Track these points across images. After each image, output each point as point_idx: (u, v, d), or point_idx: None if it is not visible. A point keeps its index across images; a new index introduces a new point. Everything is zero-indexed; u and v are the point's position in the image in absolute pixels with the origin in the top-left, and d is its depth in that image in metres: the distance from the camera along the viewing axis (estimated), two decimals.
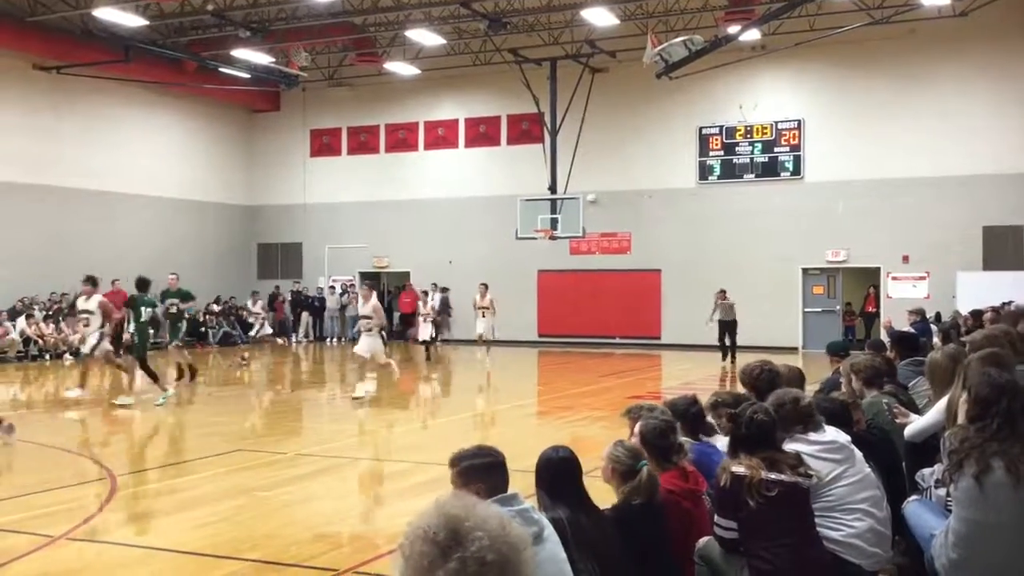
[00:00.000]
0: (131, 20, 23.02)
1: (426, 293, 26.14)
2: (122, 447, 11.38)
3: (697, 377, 19.14)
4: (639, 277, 27.63)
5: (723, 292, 22.68)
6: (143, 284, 16.06)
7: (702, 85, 25.22)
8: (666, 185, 27.40)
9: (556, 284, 28.57)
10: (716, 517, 4.60)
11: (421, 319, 24.93)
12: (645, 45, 22.24)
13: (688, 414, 5.63)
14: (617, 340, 27.45)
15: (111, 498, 8.42)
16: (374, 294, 16.47)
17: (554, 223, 25.42)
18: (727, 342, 22.28)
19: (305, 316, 31.22)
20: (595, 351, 26.41)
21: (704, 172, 27.18)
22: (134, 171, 28.16)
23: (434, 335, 24.91)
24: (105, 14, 22.65)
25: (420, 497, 8.76)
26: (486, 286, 23.48)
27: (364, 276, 30.77)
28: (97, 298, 15.45)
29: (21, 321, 23.80)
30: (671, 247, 27.18)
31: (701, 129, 27.07)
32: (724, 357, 22.09)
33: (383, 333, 16.00)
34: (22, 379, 20.52)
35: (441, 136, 30.44)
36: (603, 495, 4.60)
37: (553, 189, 26.18)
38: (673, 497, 4.72)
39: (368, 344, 15.63)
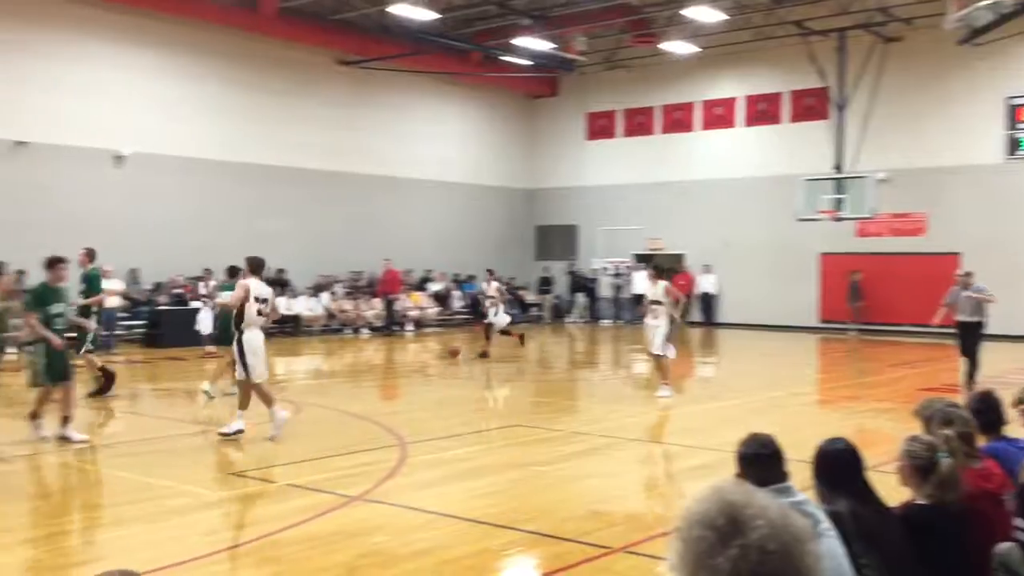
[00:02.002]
0: (422, 14, 24.32)
1: (491, 272, 21.16)
2: (410, 417, 12.11)
3: (1001, 370, 17.55)
4: (935, 261, 25.66)
5: (967, 276, 15.96)
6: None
7: (1011, 51, 22.98)
8: (967, 161, 25.25)
9: (840, 268, 27.17)
10: (1017, 519, 4.21)
11: (489, 304, 20.18)
12: (945, 10, 20.55)
13: (985, 409, 5.18)
14: (909, 328, 25.71)
15: (401, 464, 9.00)
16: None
17: (839, 203, 24.18)
18: (967, 351, 15.34)
19: (580, 297, 31.77)
20: (883, 339, 24.90)
21: (1013, 146, 24.75)
22: (423, 158, 29.82)
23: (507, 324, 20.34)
24: (399, 10, 24.07)
25: (694, 481, 8.67)
26: (491, 272, 20.99)
27: (639, 258, 30.87)
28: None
29: (325, 297, 25.98)
30: (972, 228, 25.03)
31: (1009, 99, 24.66)
32: (967, 362, 15.27)
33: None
34: (325, 351, 22.37)
35: (719, 115, 29.80)
36: (891, 493, 4.33)
37: (839, 167, 24.89)
38: (970, 498, 4.36)
39: None
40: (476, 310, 29.79)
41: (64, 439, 9.93)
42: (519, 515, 7.20)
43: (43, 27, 21.50)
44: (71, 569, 6.18)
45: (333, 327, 25.89)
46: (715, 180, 29.39)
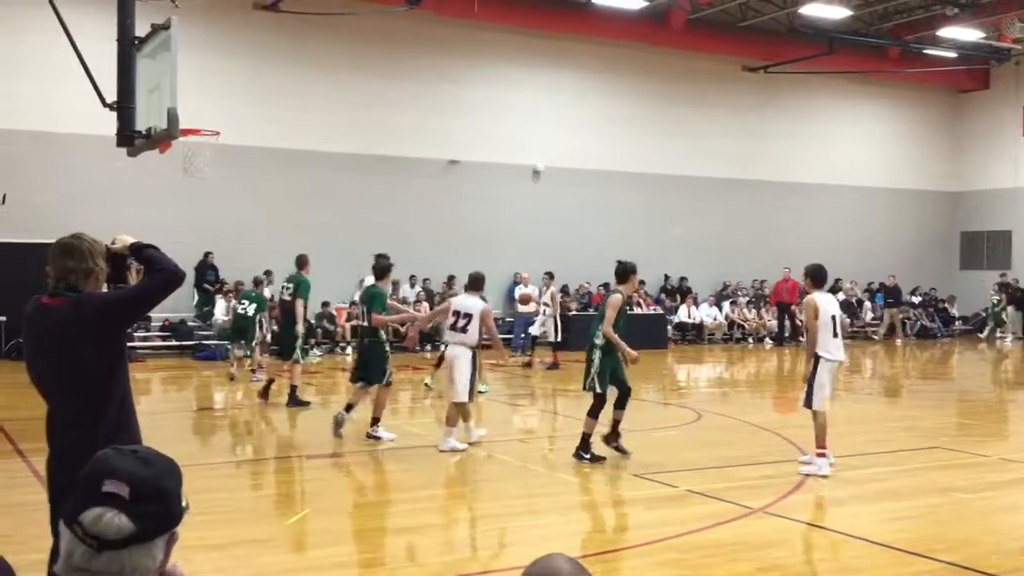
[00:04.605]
0: (836, 12, 23.38)
1: (551, 275, 19.58)
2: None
3: None
4: None
5: None
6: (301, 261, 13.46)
7: None
8: None
9: None
10: None
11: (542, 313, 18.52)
12: None
13: None
14: None
15: (805, 479, 8.69)
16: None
17: None
18: None
19: (1011, 311, 28.59)
20: None
21: None
22: (832, 161, 28.62)
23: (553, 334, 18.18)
24: (811, 10, 23.36)
25: None
26: (550, 276, 19.43)
27: None
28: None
29: (726, 305, 25.83)
30: None
31: None
32: None
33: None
34: (726, 359, 22.26)
35: None
36: None
37: None
38: None
39: None
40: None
41: (373, 437, 10.35)
42: (937, 543, 6.65)
43: (468, 57, 23.70)
44: (497, 549, 6.73)
45: (736, 336, 25.67)
46: None
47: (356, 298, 16.72)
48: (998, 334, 27.48)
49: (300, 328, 13.09)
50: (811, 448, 9.02)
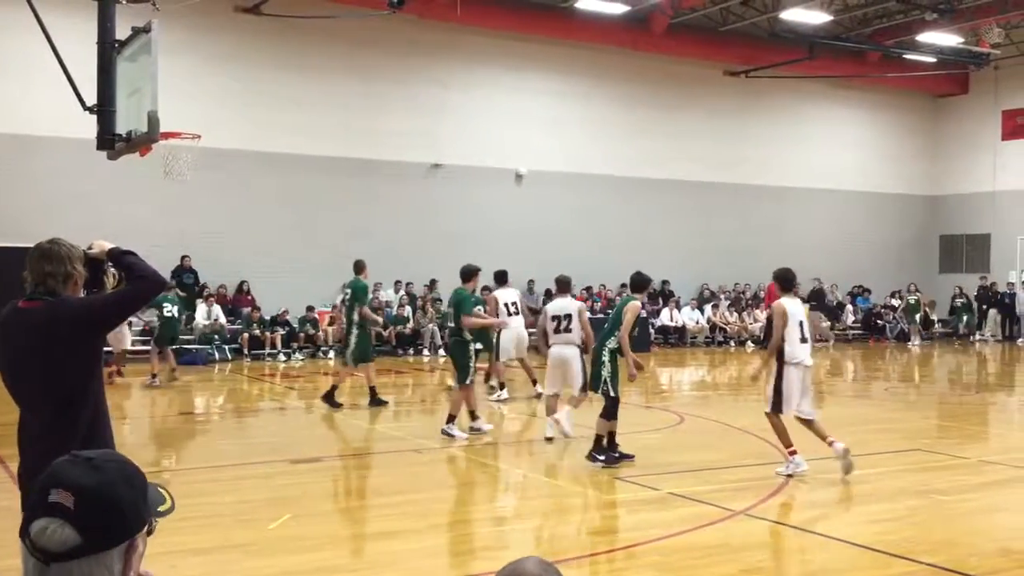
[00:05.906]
0: (816, 17, 23.53)
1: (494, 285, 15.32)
2: (800, 434, 11.70)
3: None
4: None
5: None
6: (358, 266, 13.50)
7: None
8: None
9: None
10: None
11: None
12: None
13: None
14: None
15: (787, 482, 8.73)
16: None
17: None
18: None
19: (992, 313, 28.85)
20: None
21: None
22: (813, 165, 28.79)
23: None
24: (792, 15, 23.49)
25: None
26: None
27: None
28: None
29: (708, 308, 25.91)
30: None
31: None
32: None
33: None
34: (708, 363, 22.33)
35: None
36: None
37: None
38: None
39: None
40: (869, 325, 28.18)
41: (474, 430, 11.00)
42: (917, 545, 6.70)
43: (451, 60, 23.70)
44: (478, 553, 6.73)
45: (718, 339, 25.76)
46: None
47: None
48: (913, 340, 27.51)
49: (368, 330, 13.50)
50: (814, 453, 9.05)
